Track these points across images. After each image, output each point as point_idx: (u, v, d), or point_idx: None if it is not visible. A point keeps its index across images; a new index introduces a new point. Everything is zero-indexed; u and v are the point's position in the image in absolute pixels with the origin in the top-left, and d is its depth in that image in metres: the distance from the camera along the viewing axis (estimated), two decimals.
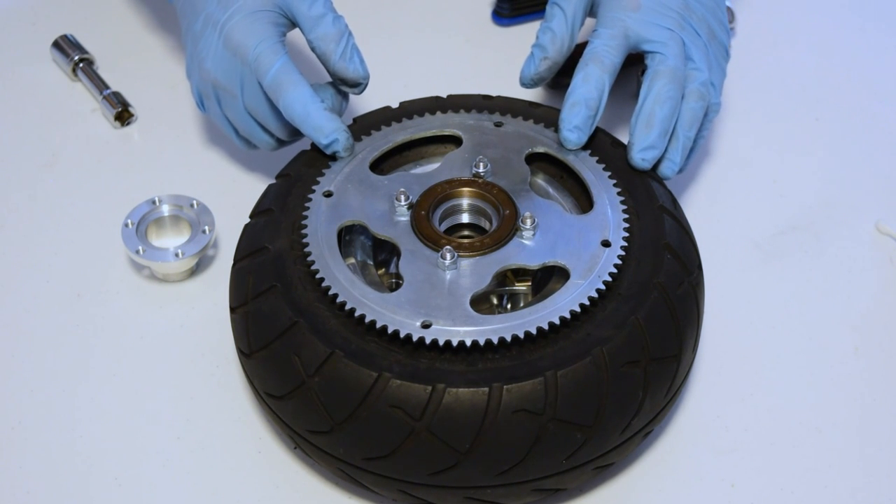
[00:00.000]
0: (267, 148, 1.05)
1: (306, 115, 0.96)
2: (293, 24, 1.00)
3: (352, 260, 0.94)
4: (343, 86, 1.01)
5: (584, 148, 0.96)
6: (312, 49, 0.99)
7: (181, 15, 1.04)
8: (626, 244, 0.89)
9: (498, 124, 0.99)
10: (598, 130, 0.99)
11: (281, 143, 1.05)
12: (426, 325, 0.84)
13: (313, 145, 0.98)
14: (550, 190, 0.97)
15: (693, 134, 0.99)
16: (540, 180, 0.98)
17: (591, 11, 1.01)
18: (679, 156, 0.98)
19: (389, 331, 0.83)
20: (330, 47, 0.98)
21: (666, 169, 0.98)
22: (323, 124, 0.96)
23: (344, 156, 0.96)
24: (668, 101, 0.96)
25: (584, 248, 0.89)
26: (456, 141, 0.99)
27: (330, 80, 1.01)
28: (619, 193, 0.92)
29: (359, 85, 1.00)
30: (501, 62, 1.26)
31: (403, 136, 0.98)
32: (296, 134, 1.03)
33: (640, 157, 0.95)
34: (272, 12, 0.98)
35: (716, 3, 1.03)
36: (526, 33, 1.30)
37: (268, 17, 0.98)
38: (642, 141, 0.95)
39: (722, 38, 1.03)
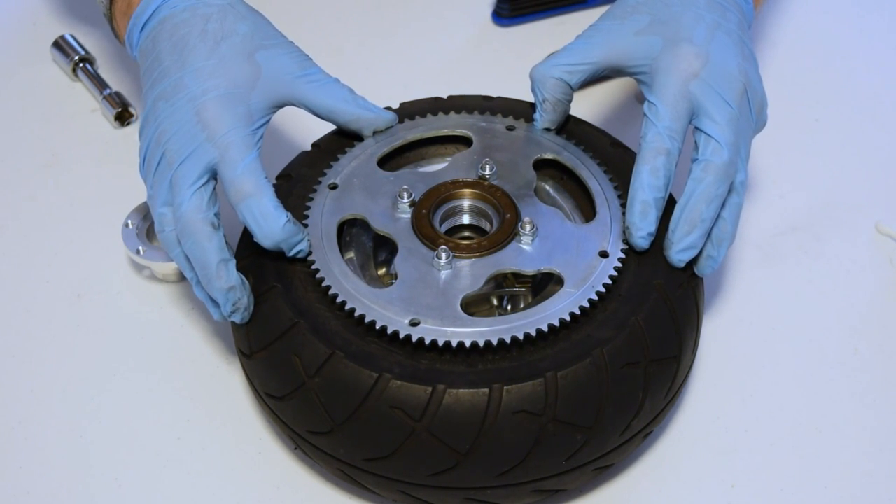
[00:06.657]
0: None
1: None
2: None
3: (351, 254, 0.94)
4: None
5: (586, 150, 0.96)
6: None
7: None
8: (623, 256, 0.88)
9: (510, 128, 0.98)
10: (598, 131, 0.98)
11: None
12: (414, 323, 0.84)
13: (314, 145, 0.98)
14: (556, 196, 0.97)
15: (736, 230, 0.91)
16: (546, 186, 0.97)
17: (625, 62, 0.92)
18: (722, 254, 0.90)
19: (378, 326, 0.83)
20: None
21: (706, 268, 0.90)
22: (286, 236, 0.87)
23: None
24: (715, 199, 0.88)
25: (581, 257, 0.88)
26: (466, 142, 0.98)
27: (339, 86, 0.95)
28: (622, 205, 0.92)
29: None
30: (501, 62, 1.26)
31: (414, 134, 0.98)
32: None
33: (679, 257, 0.88)
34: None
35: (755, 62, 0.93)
36: (526, 33, 1.30)
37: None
38: (683, 241, 0.88)
39: (765, 110, 0.94)
